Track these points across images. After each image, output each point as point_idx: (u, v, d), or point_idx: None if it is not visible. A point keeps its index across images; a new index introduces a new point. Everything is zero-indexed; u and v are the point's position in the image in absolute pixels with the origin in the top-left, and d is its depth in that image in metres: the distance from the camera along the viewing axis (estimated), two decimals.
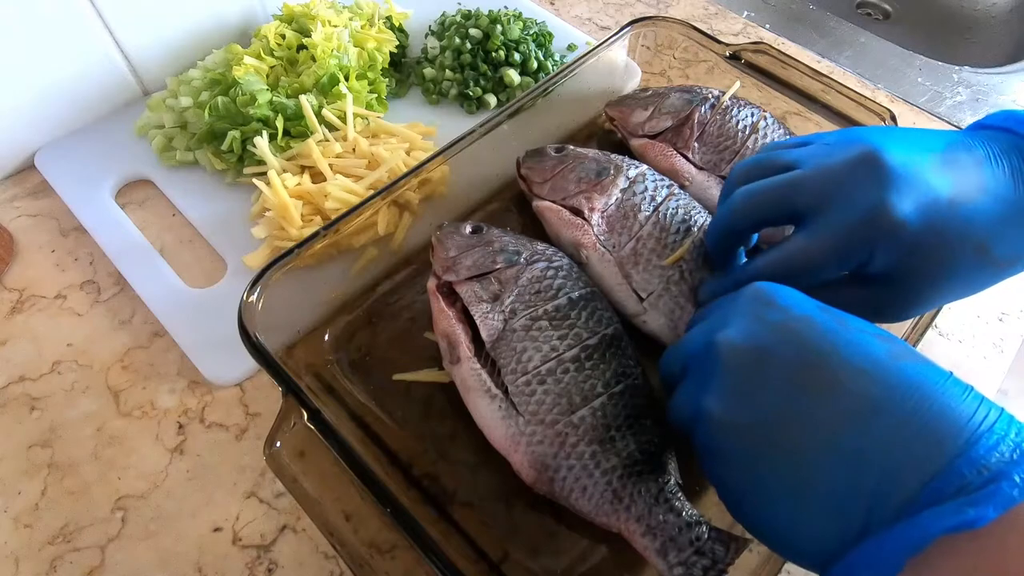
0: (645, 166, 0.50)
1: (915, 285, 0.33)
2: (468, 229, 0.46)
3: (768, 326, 0.29)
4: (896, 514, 0.23)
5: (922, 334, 0.42)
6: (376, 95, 0.60)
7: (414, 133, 0.57)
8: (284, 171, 0.53)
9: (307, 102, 0.55)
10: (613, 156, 0.51)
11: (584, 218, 0.47)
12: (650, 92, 0.56)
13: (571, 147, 0.52)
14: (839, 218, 0.33)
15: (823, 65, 0.73)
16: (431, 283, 0.44)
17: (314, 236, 0.42)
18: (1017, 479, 0.22)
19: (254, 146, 0.54)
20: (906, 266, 0.33)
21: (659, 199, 0.47)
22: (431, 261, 0.45)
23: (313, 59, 0.58)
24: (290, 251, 0.41)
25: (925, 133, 0.35)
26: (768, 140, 0.52)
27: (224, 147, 0.55)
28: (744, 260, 0.42)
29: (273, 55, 0.59)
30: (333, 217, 0.45)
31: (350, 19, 0.62)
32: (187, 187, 0.56)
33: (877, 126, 0.45)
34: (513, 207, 0.54)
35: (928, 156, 0.33)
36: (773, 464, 0.26)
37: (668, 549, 0.33)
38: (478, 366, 0.39)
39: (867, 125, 0.46)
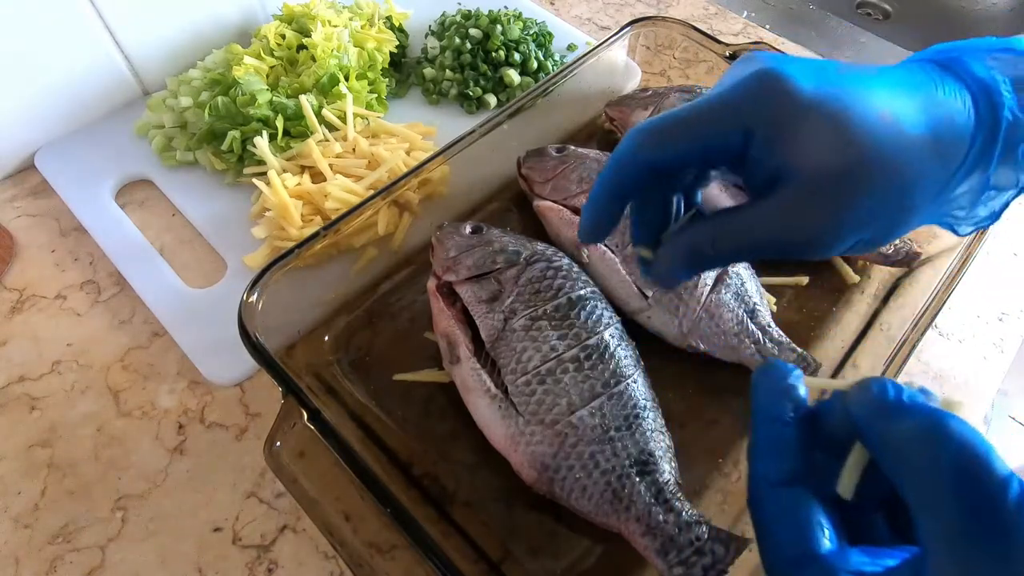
0: None
1: (820, 183, 0.27)
2: (468, 229, 0.46)
3: None
4: None
5: (922, 334, 0.42)
6: (376, 95, 0.60)
7: (414, 133, 0.57)
8: (284, 171, 0.53)
9: (307, 102, 0.55)
10: None
11: None
12: (650, 92, 0.56)
13: (572, 147, 0.52)
14: (725, 84, 0.28)
15: None
16: (431, 283, 0.44)
17: (314, 236, 0.42)
18: None
19: (254, 146, 0.54)
20: (804, 151, 0.27)
21: None
22: (431, 261, 0.45)
23: (313, 59, 0.58)
24: (290, 251, 0.41)
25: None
26: None
27: (224, 147, 0.55)
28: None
29: (273, 55, 0.59)
30: (333, 217, 0.45)
31: (350, 19, 0.62)
32: (187, 187, 0.56)
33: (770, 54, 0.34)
34: (513, 207, 0.54)
35: (827, 65, 0.28)
36: None
37: (668, 548, 0.33)
38: (478, 366, 0.39)
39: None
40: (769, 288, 0.48)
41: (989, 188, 0.29)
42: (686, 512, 0.34)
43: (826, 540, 0.23)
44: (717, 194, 0.51)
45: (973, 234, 0.32)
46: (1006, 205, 0.30)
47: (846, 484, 0.24)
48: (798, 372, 0.27)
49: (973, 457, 0.20)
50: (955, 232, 0.31)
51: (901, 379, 0.47)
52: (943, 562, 0.20)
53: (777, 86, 0.27)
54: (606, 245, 0.46)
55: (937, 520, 0.20)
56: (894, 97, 0.27)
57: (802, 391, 0.26)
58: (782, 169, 0.27)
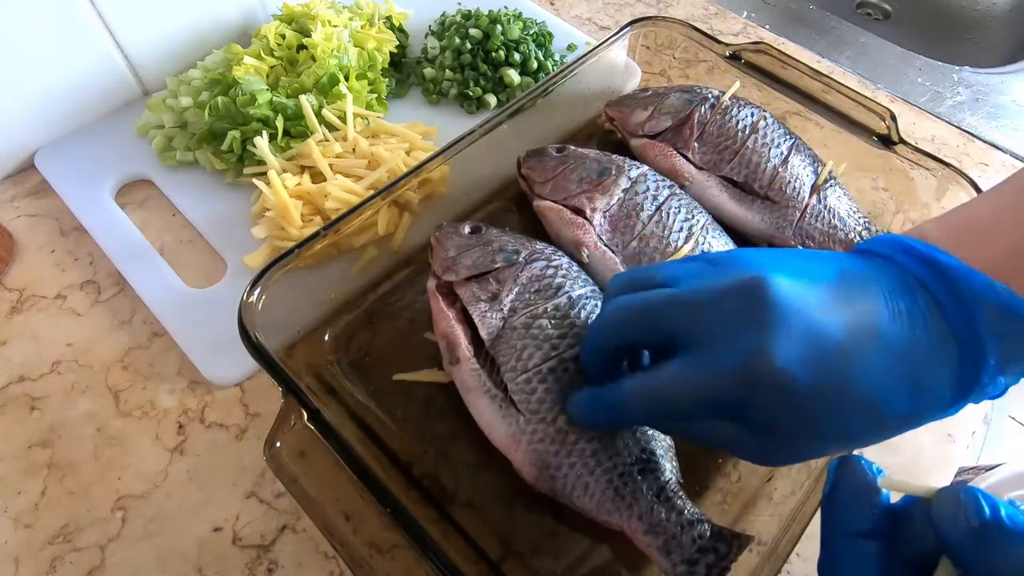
0: (646, 167, 0.50)
1: (796, 439, 0.28)
2: (467, 229, 0.46)
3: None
4: None
5: None
6: (376, 95, 0.60)
7: (414, 133, 0.57)
8: (284, 171, 0.53)
9: (307, 102, 0.55)
10: (614, 156, 0.51)
11: (586, 218, 0.47)
12: (650, 92, 0.56)
13: (572, 147, 0.52)
14: (714, 358, 0.28)
15: (823, 65, 0.73)
16: (431, 283, 0.44)
17: (314, 236, 0.42)
18: None
19: (254, 146, 0.54)
20: (787, 422, 0.27)
21: (661, 199, 0.47)
22: (430, 261, 0.45)
23: (313, 59, 0.58)
24: (290, 251, 0.41)
25: (814, 258, 0.31)
26: (768, 140, 0.52)
27: (224, 147, 0.55)
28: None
29: (273, 55, 0.59)
30: (333, 217, 0.45)
31: (350, 19, 0.62)
32: (187, 187, 0.56)
33: (763, 248, 0.36)
34: (513, 207, 0.54)
35: (819, 290, 0.28)
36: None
37: (671, 547, 0.33)
38: (478, 366, 0.39)
39: (753, 249, 0.34)
40: None
41: (998, 380, 0.29)
42: (688, 510, 0.34)
43: None
44: (717, 193, 0.52)
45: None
46: None
47: None
48: (878, 468, 0.26)
49: None
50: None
51: None
52: None
53: (770, 377, 0.26)
54: (606, 246, 0.46)
55: None
56: (884, 378, 0.28)
57: (882, 495, 0.25)
58: (752, 425, 0.29)
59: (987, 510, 0.22)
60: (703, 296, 0.29)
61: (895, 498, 0.26)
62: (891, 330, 0.28)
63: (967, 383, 0.28)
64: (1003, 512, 0.22)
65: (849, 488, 0.26)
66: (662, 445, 0.37)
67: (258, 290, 0.40)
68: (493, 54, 0.63)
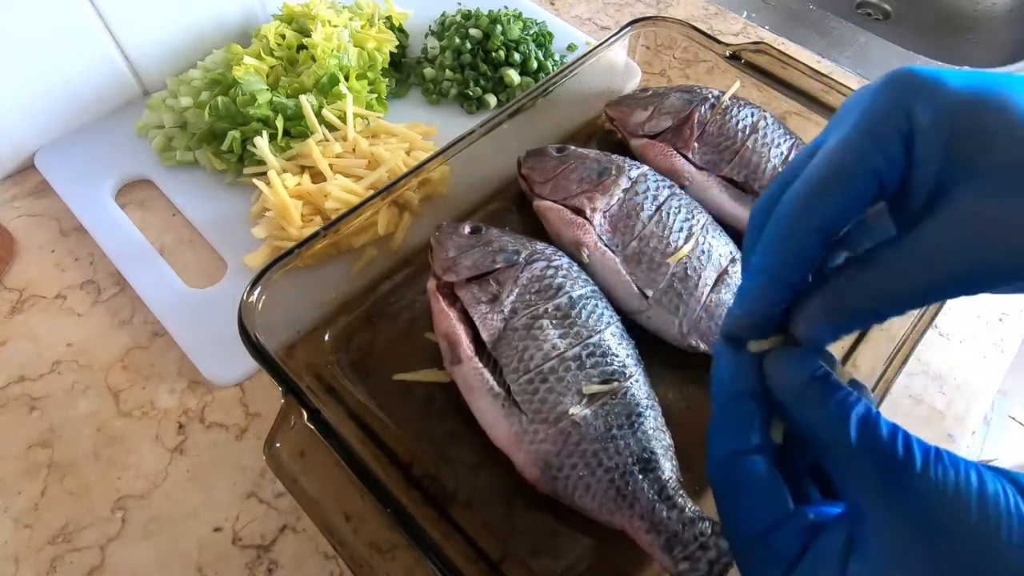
0: (646, 167, 0.50)
1: (999, 182, 0.21)
2: (467, 229, 0.46)
3: None
4: None
5: (922, 334, 0.42)
6: (376, 95, 0.60)
7: (414, 133, 0.57)
8: (284, 171, 0.53)
9: (307, 102, 0.55)
10: (614, 157, 0.51)
11: (586, 218, 0.47)
12: (650, 92, 0.56)
13: (572, 147, 0.52)
14: (860, 104, 0.24)
15: (823, 65, 0.73)
16: (431, 284, 0.44)
17: (314, 236, 0.42)
18: None
19: (254, 146, 0.54)
20: (969, 143, 0.22)
21: (661, 199, 0.47)
22: (430, 261, 0.45)
23: (313, 59, 0.58)
24: (290, 251, 0.41)
25: None
26: (768, 140, 0.52)
27: (224, 147, 0.55)
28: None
29: (273, 55, 0.59)
30: (333, 217, 0.45)
31: (350, 19, 0.62)
32: (187, 187, 0.56)
33: None
34: (513, 207, 0.54)
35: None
36: None
37: (673, 544, 0.34)
38: (480, 365, 0.39)
39: None
40: None
41: None
42: (689, 508, 0.35)
43: (790, 502, 0.24)
44: (717, 193, 0.51)
45: None
46: None
47: (777, 432, 0.26)
48: (752, 342, 0.26)
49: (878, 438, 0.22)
50: None
51: (901, 379, 0.47)
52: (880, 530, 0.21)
53: (924, 84, 0.23)
54: (606, 246, 0.46)
55: (853, 485, 0.22)
56: None
57: (756, 361, 0.26)
58: (954, 176, 0.22)
59: (807, 372, 0.24)
60: (856, 122, 0.24)
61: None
62: None
63: None
64: (819, 373, 0.24)
65: (728, 352, 0.26)
66: (662, 444, 0.37)
67: (258, 290, 0.40)
68: (493, 54, 0.63)
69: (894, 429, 0.22)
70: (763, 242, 0.25)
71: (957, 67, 0.76)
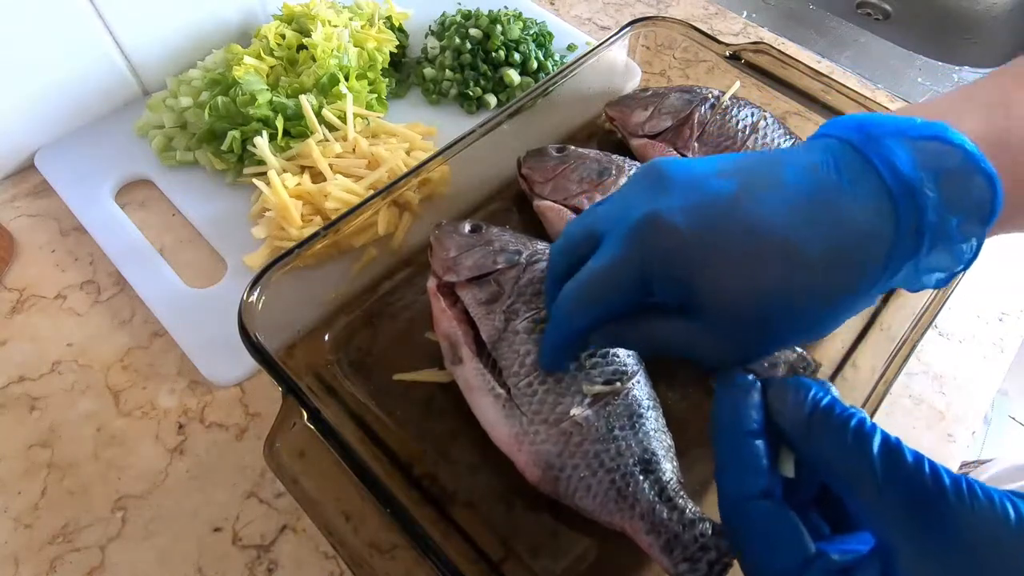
0: None
1: (732, 312, 0.27)
2: (467, 228, 0.46)
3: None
4: None
5: (922, 334, 0.42)
6: (376, 95, 0.60)
7: (414, 133, 0.57)
8: (284, 171, 0.53)
9: (307, 102, 0.54)
10: (615, 156, 0.51)
11: None
12: (650, 92, 0.56)
13: (572, 147, 0.52)
14: (620, 231, 0.30)
15: (823, 65, 0.73)
16: (431, 283, 0.44)
17: (314, 236, 0.42)
18: None
19: (254, 146, 0.54)
20: (703, 285, 0.27)
21: None
22: (430, 261, 0.45)
23: (313, 59, 0.58)
24: (290, 251, 0.41)
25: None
26: (768, 140, 0.52)
27: (224, 147, 0.55)
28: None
29: (273, 55, 0.59)
30: (333, 217, 0.45)
31: (350, 19, 0.62)
32: (187, 187, 0.56)
33: None
34: (513, 207, 0.54)
35: (718, 162, 0.30)
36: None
37: (673, 545, 0.33)
38: (481, 366, 0.39)
39: None
40: None
41: (927, 272, 0.27)
42: (689, 509, 0.34)
43: (811, 544, 0.24)
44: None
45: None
46: (952, 276, 0.27)
47: (787, 465, 0.26)
48: (753, 378, 0.27)
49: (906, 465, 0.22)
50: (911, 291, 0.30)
51: (901, 379, 0.47)
52: (906, 554, 0.21)
53: (655, 229, 0.28)
54: None
55: (883, 520, 0.22)
56: (789, 216, 0.26)
57: (758, 397, 0.27)
58: (687, 307, 0.29)
59: (810, 401, 0.25)
60: (617, 192, 0.33)
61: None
62: (794, 177, 0.27)
63: (907, 226, 0.26)
64: (825, 402, 0.24)
65: (730, 393, 0.27)
66: (663, 445, 0.37)
67: (258, 290, 0.40)
68: (493, 54, 0.63)
69: (918, 458, 0.22)
70: (548, 338, 0.36)
71: (957, 67, 0.76)
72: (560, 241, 0.36)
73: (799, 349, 0.43)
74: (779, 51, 0.56)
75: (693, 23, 0.58)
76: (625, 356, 0.39)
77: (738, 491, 0.25)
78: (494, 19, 0.63)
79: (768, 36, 0.75)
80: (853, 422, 0.23)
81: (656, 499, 0.35)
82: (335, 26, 0.60)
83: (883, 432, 0.23)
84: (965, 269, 0.27)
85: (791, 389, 0.25)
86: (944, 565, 0.20)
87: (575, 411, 0.37)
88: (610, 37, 0.56)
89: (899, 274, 0.27)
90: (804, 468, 0.26)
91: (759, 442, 0.25)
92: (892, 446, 0.22)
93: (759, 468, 0.25)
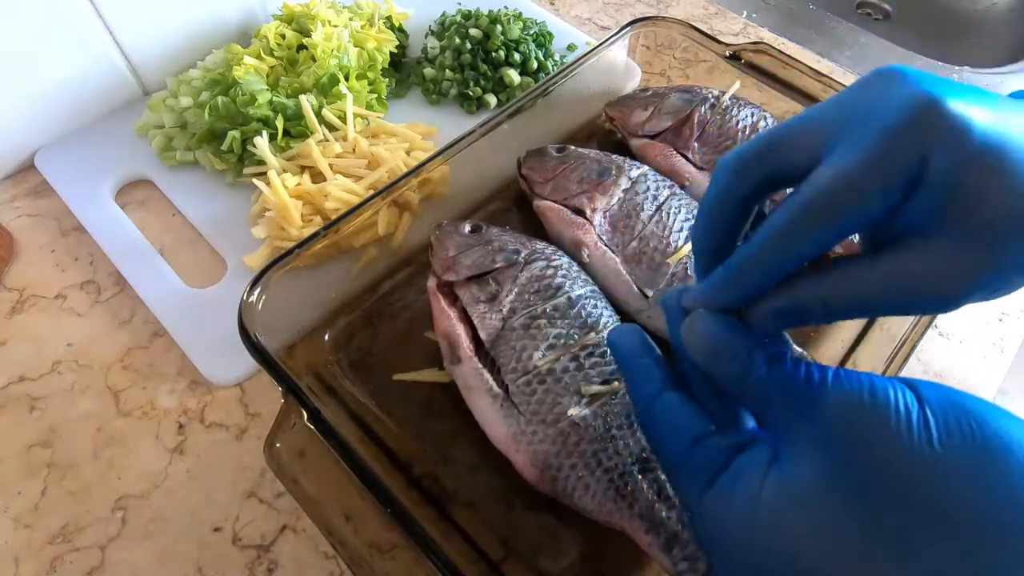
0: (646, 167, 0.50)
1: (996, 230, 0.22)
2: (467, 228, 0.46)
3: None
4: None
5: (922, 334, 0.42)
6: (376, 95, 0.60)
7: (414, 133, 0.57)
8: (284, 171, 0.53)
9: (307, 102, 0.54)
10: (614, 157, 0.51)
11: (586, 218, 0.47)
12: (650, 92, 0.56)
13: (572, 147, 0.52)
14: (874, 124, 0.23)
15: (823, 65, 0.73)
16: (431, 283, 0.44)
17: (314, 236, 0.42)
18: None
19: (254, 146, 0.54)
20: (968, 198, 0.22)
21: (661, 199, 0.47)
22: (430, 260, 0.45)
23: (313, 59, 0.58)
24: (290, 251, 0.41)
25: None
26: None
27: (224, 147, 0.55)
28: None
29: (273, 55, 0.59)
30: (333, 217, 0.45)
31: (350, 19, 0.62)
32: (187, 187, 0.56)
33: None
34: (513, 207, 0.54)
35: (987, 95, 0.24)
36: None
37: (672, 544, 0.33)
38: (480, 365, 0.39)
39: None
40: None
41: None
42: None
43: (710, 424, 0.27)
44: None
45: None
46: None
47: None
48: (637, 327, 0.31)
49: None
50: None
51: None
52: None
53: (948, 131, 0.22)
54: (607, 246, 0.46)
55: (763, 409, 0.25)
56: None
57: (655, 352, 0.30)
58: (937, 220, 0.23)
59: (681, 301, 0.28)
60: (844, 93, 0.25)
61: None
62: None
63: None
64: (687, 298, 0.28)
65: (631, 352, 0.30)
66: None
67: (258, 290, 0.40)
68: (493, 54, 0.63)
69: (797, 359, 0.25)
70: (751, 249, 0.25)
71: (957, 67, 0.76)
72: (743, 148, 0.26)
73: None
74: (779, 51, 0.56)
75: (693, 23, 0.58)
76: None
77: (640, 394, 0.29)
78: (494, 19, 0.63)
79: (768, 36, 0.75)
80: (757, 342, 0.26)
81: (655, 498, 0.35)
82: (335, 26, 0.60)
83: (776, 347, 0.25)
84: None
85: (717, 320, 0.27)
86: (815, 434, 0.23)
87: (573, 411, 0.37)
88: (610, 37, 0.56)
89: None
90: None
91: (647, 360, 0.29)
92: (777, 354, 0.25)
93: (652, 375, 0.29)
